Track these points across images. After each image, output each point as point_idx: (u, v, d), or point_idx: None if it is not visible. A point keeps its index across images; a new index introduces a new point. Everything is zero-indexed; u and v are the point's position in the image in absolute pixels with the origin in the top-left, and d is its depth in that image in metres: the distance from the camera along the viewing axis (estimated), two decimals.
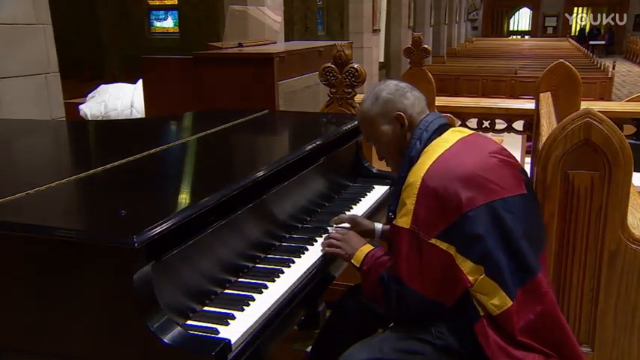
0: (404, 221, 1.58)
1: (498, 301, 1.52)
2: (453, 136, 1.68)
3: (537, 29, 30.69)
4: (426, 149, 1.65)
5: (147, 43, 14.91)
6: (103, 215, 1.48)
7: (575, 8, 29.95)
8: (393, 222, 1.64)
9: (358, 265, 1.74)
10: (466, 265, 1.52)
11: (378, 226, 2.02)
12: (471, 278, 1.52)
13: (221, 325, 1.38)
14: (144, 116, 4.32)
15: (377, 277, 1.67)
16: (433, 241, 1.54)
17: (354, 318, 1.92)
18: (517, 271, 1.54)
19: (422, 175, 1.56)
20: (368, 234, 1.98)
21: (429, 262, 1.55)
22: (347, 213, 2.12)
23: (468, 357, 1.59)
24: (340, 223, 1.99)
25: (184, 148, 2.20)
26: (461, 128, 1.75)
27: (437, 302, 1.57)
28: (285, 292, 1.58)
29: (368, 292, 1.74)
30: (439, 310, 1.58)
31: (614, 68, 11.36)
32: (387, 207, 2.36)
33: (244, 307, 1.47)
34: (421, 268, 1.56)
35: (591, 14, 28.87)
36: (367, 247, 1.78)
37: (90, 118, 5.18)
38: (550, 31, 29.99)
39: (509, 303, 1.51)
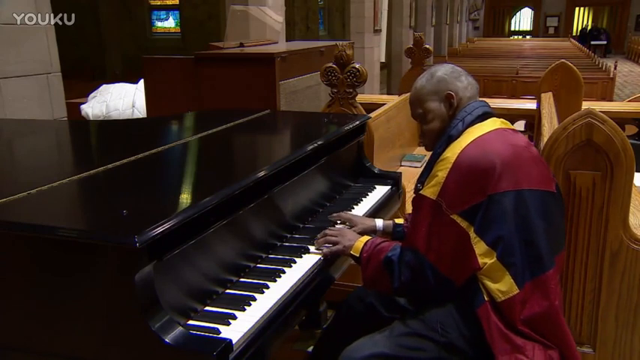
0: (431, 192, 1.61)
1: (505, 287, 1.54)
2: (494, 124, 1.72)
3: (539, 29, 30.65)
4: (467, 130, 1.69)
5: (148, 43, 14.91)
6: (105, 215, 1.47)
7: (577, 8, 29.93)
8: (420, 192, 1.67)
9: (357, 255, 1.76)
10: (480, 247, 1.55)
11: (379, 222, 2.03)
12: (481, 261, 1.55)
13: (222, 324, 1.39)
14: (145, 116, 4.32)
15: (381, 260, 1.69)
16: (454, 217, 1.56)
17: (359, 319, 1.92)
18: (530, 262, 1.55)
19: (458, 151, 1.60)
20: (369, 232, 1.99)
21: (446, 237, 1.58)
22: (348, 213, 2.13)
23: (470, 355, 1.60)
24: (339, 221, 2.02)
25: (186, 148, 2.20)
26: (503, 120, 1.78)
27: (448, 279, 1.59)
28: (287, 292, 1.58)
29: (369, 279, 1.75)
30: (448, 289, 1.60)
31: (615, 68, 11.33)
32: (388, 206, 2.39)
33: (246, 307, 1.47)
34: (438, 241, 1.59)
35: (592, 14, 28.90)
36: (365, 238, 1.81)
37: (91, 118, 5.18)
38: (551, 31, 29.94)
39: (516, 290, 1.53)
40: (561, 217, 1.71)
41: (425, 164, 1.80)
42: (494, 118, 1.75)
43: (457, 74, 1.77)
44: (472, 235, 1.56)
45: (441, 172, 1.60)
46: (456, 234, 1.57)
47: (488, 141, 1.63)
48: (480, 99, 1.79)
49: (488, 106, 1.77)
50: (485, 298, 1.56)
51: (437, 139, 1.76)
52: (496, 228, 1.54)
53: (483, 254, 1.55)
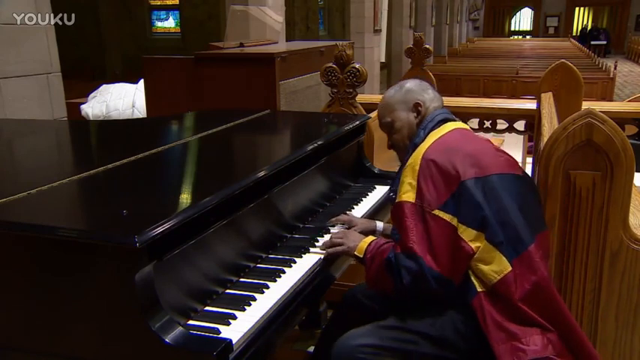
0: (408, 196, 1.66)
1: (498, 266, 1.58)
2: (453, 125, 1.82)
3: (539, 29, 30.63)
4: (428, 135, 1.78)
5: (148, 43, 14.91)
6: (105, 215, 1.48)
7: (577, 8, 29.92)
8: (397, 201, 1.70)
9: (362, 256, 1.77)
10: (468, 234, 1.60)
11: (379, 224, 2.04)
12: (474, 246, 1.59)
13: (222, 324, 1.39)
14: (145, 116, 4.32)
15: (383, 261, 1.70)
16: (436, 212, 1.61)
17: (356, 317, 1.93)
18: (512, 241, 1.60)
19: (422, 153, 1.68)
20: (369, 232, 1.99)
21: (435, 235, 1.61)
22: (348, 213, 2.13)
23: (462, 349, 1.61)
24: (337, 224, 2.02)
25: (186, 148, 2.20)
26: (462, 123, 1.88)
27: (448, 280, 1.61)
28: (287, 292, 1.59)
29: (372, 280, 1.76)
30: (449, 289, 1.62)
31: (615, 68, 11.34)
32: (388, 206, 2.38)
33: (246, 307, 1.47)
34: (430, 243, 1.61)
35: (592, 14, 28.91)
36: (369, 238, 1.83)
37: (91, 118, 5.18)
38: (551, 31, 29.93)
39: (509, 268, 1.58)
40: (535, 198, 1.78)
41: (397, 173, 1.85)
42: (454, 122, 1.84)
43: (424, 87, 1.89)
44: (458, 225, 1.61)
45: (411, 177, 1.66)
46: (443, 228, 1.60)
47: (450, 138, 1.74)
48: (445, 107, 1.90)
49: (449, 113, 1.88)
50: (478, 289, 1.60)
51: (405, 148, 1.83)
52: (477, 212, 1.60)
53: (474, 239, 1.60)
